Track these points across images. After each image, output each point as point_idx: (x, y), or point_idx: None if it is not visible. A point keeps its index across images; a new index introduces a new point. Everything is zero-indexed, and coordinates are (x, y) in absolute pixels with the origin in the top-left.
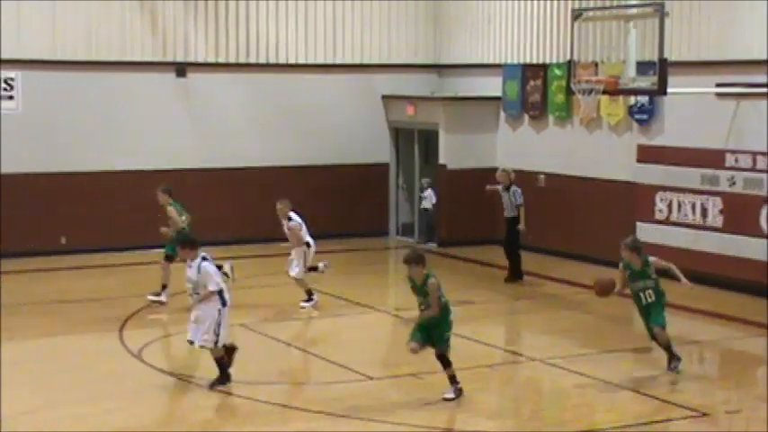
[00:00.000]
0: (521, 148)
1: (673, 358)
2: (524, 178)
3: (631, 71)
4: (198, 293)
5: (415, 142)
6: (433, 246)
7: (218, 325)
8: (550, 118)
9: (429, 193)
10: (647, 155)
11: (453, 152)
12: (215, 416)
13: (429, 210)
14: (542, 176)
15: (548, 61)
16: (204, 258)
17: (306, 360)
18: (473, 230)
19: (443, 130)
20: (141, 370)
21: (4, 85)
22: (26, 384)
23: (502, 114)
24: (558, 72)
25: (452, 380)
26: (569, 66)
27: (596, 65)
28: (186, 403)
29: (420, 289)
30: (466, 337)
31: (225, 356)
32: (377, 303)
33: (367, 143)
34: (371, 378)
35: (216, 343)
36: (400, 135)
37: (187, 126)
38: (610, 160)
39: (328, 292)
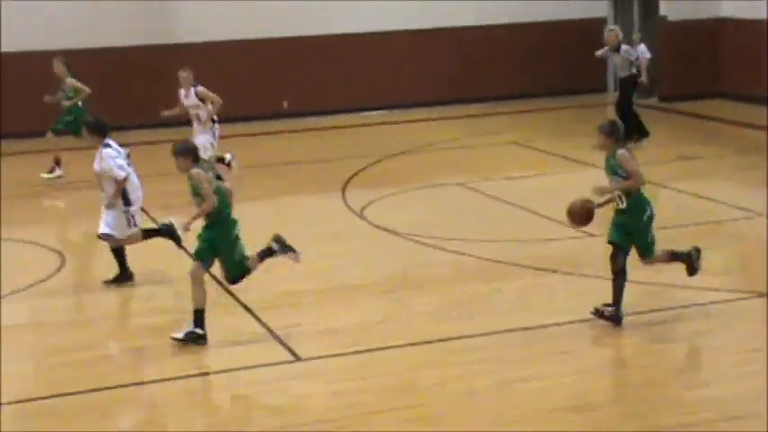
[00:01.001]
0: None
1: (613, 305)
2: (751, 27)
3: None
4: (102, 186)
5: None
6: (653, 101)
7: (127, 220)
8: None
9: (641, 48)
10: None
11: (675, 3)
12: (440, 272)
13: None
14: None
15: None
16: (107, 145)
17: (524, 217)
18: (695, 84)
19: None
20: (365, 228)
21: None
22: (254, 243)
23: None
24: None
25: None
26: None
27: None
28: (410, 260)
29: (191, 187)
30: (692, 193)
31: (124, 249)
32: (595, 161)
33: None
34: (593, 235)
35: (112, 236)
36: None
37: None
38: None
39: (545, 149)
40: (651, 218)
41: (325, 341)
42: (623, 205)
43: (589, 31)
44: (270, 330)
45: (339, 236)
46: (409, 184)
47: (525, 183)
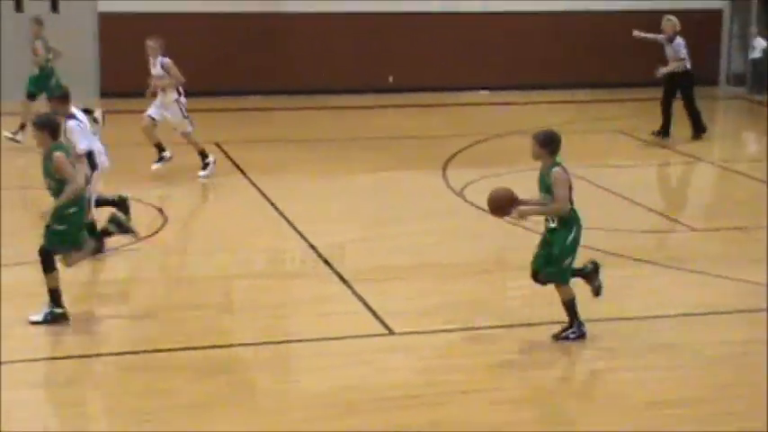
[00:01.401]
0: None
1: (573, 324)
2: None
3: None
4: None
5: None
6: (763, 98)
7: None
8: None
9: (758, 41)
10: None
11: None
12: None
13: (757, 59)
14: None
15: None
16: (72, 116)
17: (625, 207)
18: None
19: None
20: (464, 208)
21: None
22: (353, 215)
23: None
24: None
25: (52, 298)
26: None
27: None
28: (507, 242)
29: (43, 166)
30: None
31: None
32: (702, 154)
33: None
34: (695, 229)
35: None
36: None
37: None
38: None
39: (649, 139)
40: (576, 241)
41: (417, 317)
42: (554, 224)
43: (704, 21)
44: (364, 302)
45: (437, 214)
46: (512, 165)
47: (627, 172)
